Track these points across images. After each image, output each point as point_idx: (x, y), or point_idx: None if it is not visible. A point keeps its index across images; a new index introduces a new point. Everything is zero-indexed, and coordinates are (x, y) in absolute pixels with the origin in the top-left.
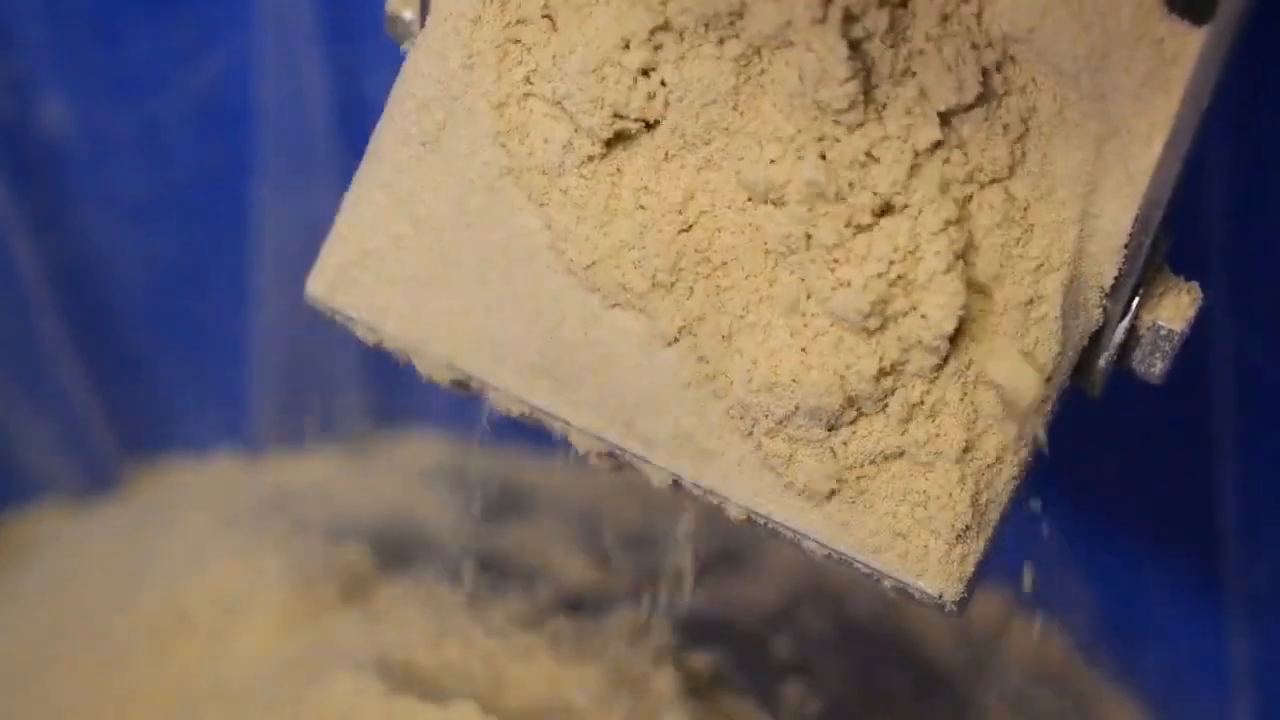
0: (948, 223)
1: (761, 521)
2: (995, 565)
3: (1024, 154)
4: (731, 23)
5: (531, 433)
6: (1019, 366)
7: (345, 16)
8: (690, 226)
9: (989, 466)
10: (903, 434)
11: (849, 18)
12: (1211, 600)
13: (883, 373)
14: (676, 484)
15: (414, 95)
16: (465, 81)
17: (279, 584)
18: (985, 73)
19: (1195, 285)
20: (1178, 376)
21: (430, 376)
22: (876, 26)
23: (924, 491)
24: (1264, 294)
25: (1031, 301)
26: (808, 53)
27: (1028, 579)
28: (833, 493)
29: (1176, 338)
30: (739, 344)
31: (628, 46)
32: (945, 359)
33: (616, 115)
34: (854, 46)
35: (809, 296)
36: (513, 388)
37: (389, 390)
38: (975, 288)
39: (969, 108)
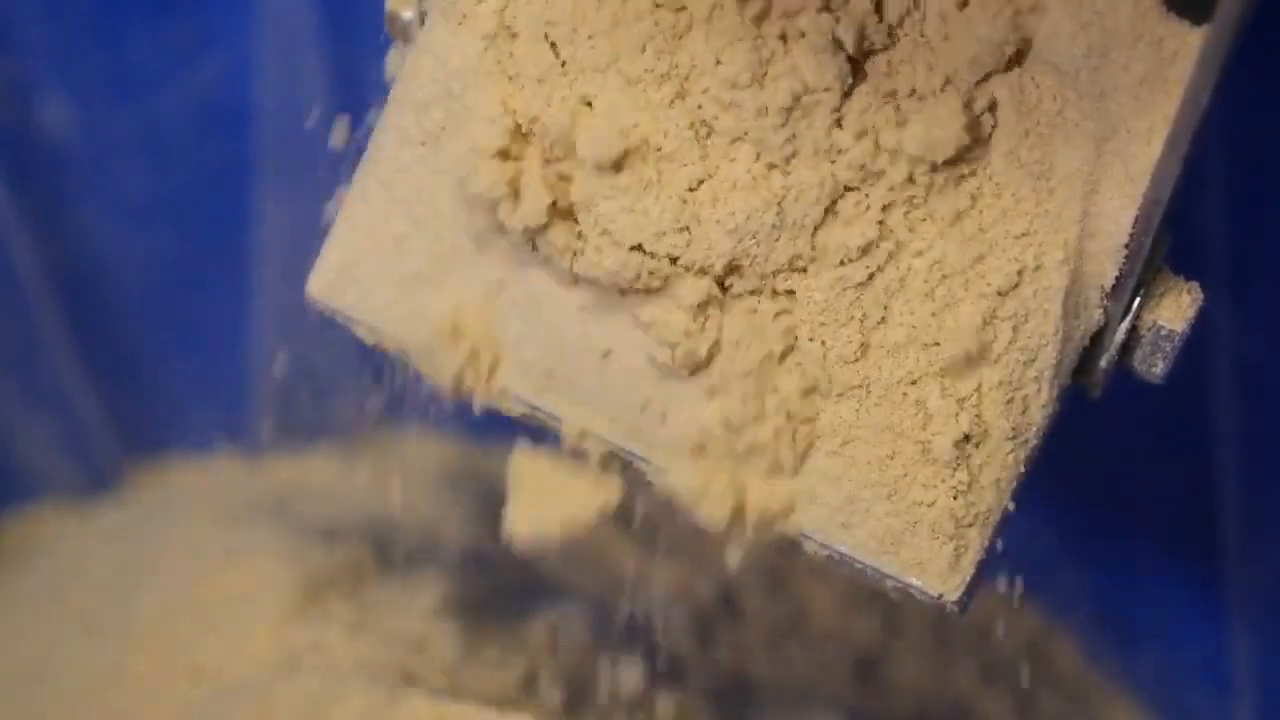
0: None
1: None
2: (995, 565)
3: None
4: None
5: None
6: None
7: (345, 17)
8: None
9: (990, 467)
10: (902, 435)
11: None
12: (1211, 600)
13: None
14: None
15: (414, 95)
16: (465, 81)
17: (278, 584)
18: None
19: (1195, 285)
20: (1178, 376)
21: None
22: None
23: (924, 492)
24: (1264, 294)
25: None
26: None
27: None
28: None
29: (1177, 338)
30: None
31: None
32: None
33: None
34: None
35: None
36: (513, 388)
37: (389, 390)
38: None
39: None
